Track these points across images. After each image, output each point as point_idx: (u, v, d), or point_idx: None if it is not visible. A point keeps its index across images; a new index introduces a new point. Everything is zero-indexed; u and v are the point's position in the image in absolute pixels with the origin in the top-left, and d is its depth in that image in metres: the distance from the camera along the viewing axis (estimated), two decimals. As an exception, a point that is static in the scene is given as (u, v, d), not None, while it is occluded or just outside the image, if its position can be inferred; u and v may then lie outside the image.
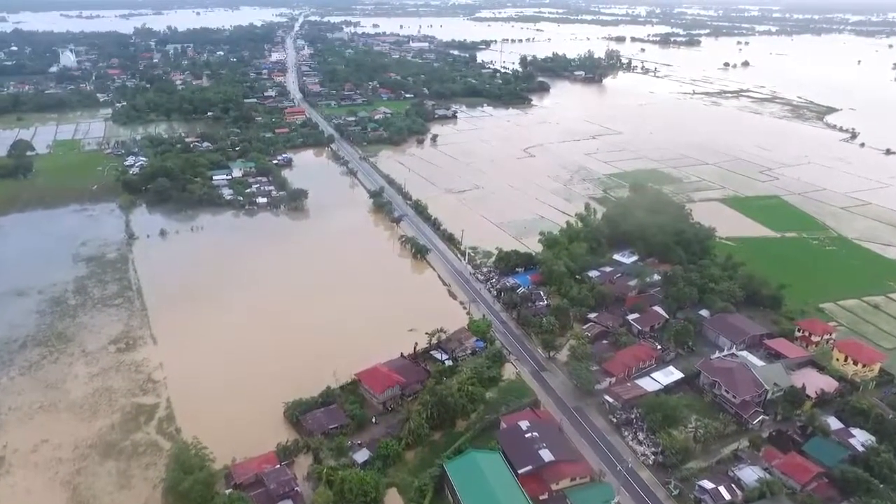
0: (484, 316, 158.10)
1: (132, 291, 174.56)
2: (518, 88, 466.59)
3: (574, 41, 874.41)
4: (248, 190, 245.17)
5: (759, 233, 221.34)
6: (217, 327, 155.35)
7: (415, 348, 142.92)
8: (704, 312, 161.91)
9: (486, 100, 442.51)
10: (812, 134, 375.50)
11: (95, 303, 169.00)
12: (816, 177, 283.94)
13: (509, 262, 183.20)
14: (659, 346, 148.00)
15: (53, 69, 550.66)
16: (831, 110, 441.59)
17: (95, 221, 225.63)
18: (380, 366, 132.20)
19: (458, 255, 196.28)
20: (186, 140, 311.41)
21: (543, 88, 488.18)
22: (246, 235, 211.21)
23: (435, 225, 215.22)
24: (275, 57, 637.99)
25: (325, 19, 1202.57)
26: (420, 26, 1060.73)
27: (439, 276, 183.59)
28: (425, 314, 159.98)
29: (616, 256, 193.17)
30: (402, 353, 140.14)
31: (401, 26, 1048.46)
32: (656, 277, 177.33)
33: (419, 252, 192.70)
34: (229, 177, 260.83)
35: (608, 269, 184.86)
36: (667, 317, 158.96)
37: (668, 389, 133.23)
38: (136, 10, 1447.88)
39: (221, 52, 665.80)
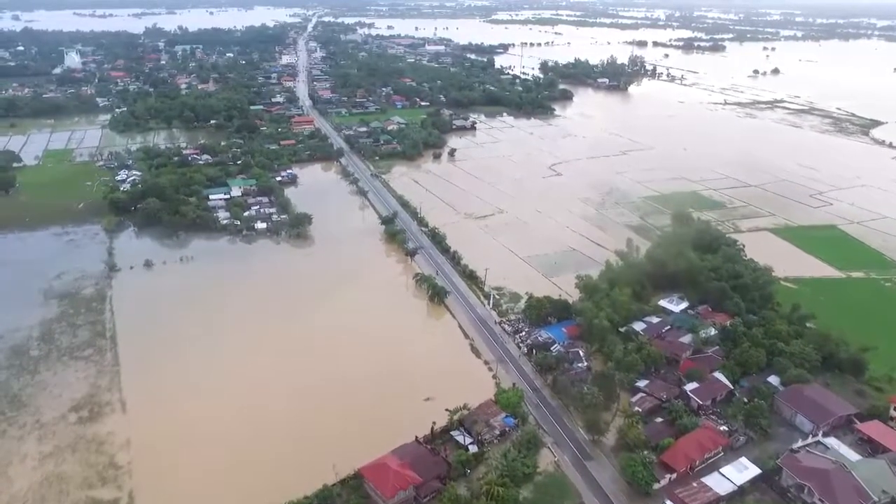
0: (515, 385, 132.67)
1: (105, 340, 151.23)
2: (540, 97, 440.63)
3: (594, 45, 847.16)
4: (247, 213, 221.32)
5: (821, 272, 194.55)
6: (198, 391, 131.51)
7: (432, 429, 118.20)
8: (773, 379, 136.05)
9: (505, 108, 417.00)
10: (859, 150, 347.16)
11: (62, 354, 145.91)
12: (874, 202, 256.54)
13: (541, 311, 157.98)
14: (726, 428, 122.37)
15: (57, 71, 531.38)
16: (876, 123, 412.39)
17: (76, 248, 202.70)
18: (389, 457, 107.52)
19: (482, 298, 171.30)
20: (185, 152, 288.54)
21: (566, 97, 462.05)
22: (241, 268, 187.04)
23: (454, 259, 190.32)
24: (285, 60, 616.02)
25: (339, 20, 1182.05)
26: (436, 28, 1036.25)
27: (460, 326, 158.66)
28: (444, 377, 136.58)
29: (663, 303, 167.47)
30: (416, 437, 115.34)
31: (416, 28, 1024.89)
32: (712, 332, 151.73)
33: (437, 295, 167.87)
34: (227, 196, 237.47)
35: (655, 319, 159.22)
36: (730, 386, 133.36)
37: (742, 489, 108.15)
38: (150, 8, 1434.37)
39: (231, 54, 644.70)
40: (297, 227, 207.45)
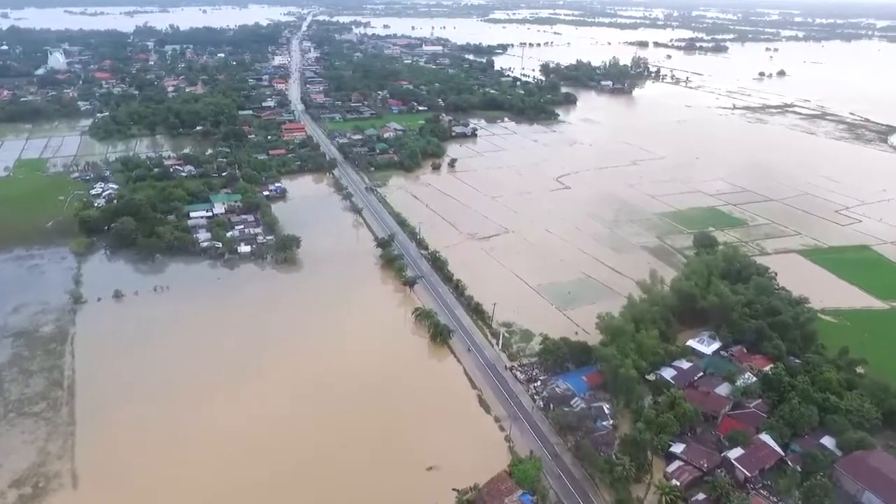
0: (532, 453, 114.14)
1: (62, 391, 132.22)
2: (542, 101, 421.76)
3: (595, 46, 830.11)
4: (230, 233, 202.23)
5: (861, 302, 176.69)
6: (165, 459, 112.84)
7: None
8: (828, 441, 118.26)
9: (507, 113, 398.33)
10: (880, 159, 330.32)
11: (9, 409, 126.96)
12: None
13: (558, 356, 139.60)
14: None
15: (40, 71, 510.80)
16: (893, 129, 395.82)
17: (39, 274, 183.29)
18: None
19: (489, 337, 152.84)
20: (166, 163, 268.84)
21: (570, 101, 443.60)
22: (220, 301, 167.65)
23: (458, 289, 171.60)
24: (278, 60, 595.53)
25: (335, 19, 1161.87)
26: (433, 27, 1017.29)
27: (466, 373, 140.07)
28: (450, 438, 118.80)
29: (692, 343, 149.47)
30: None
31: (413, 27, 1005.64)
32: (752, 379, 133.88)
33: (439, 334, 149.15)
34: (210, 213, 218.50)
35: (685, 363, 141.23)
36: (781, 453, 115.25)
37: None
38: (143, 6, 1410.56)
39: (222, 54, 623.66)
40: (284, 250, 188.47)
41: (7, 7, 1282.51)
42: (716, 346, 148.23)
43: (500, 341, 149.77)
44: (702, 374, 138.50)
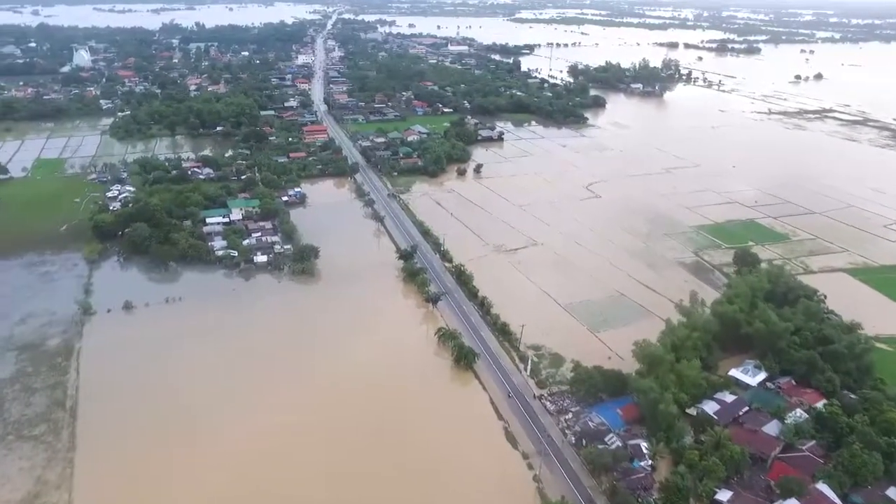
0: (563, 498, 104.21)
1: (64, 411, 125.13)
2: (570, 104, 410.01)
3: (623, 47, 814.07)
4: (247, 241, 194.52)
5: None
6: (165, 494, 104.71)
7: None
8: (894, 493, 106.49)
9: (534, 116, 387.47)
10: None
11: (8, 430, 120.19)
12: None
13: (591, 386, 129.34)
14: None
15: (65, 69, 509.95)
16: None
17: (50, 282, 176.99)
18: None
19: (517, 361, 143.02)
20: (184, 165, 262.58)
21: (599, 104, 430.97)
22: (233, 315, 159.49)
23: (483, 307, 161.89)
24: (302, 59, 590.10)
25: (360, 17, 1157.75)
26: (458, 27, 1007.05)
27: (492, 401, 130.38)
28: (474, 477, 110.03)
29: (735, 372, 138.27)
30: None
31: (438, 26, 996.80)
32: (802, 416, 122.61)
33: (464, 357, 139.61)
34: (226, 219, 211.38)
35: (728, 396, 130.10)
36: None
37: None
38: (170, 4, 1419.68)
39: (246, 53, 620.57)
40: (301, 261, 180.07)
41: (38, 4, 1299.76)
42: (761, 376, 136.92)
43: (529, 366, 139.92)
44: (747, 408, 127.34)
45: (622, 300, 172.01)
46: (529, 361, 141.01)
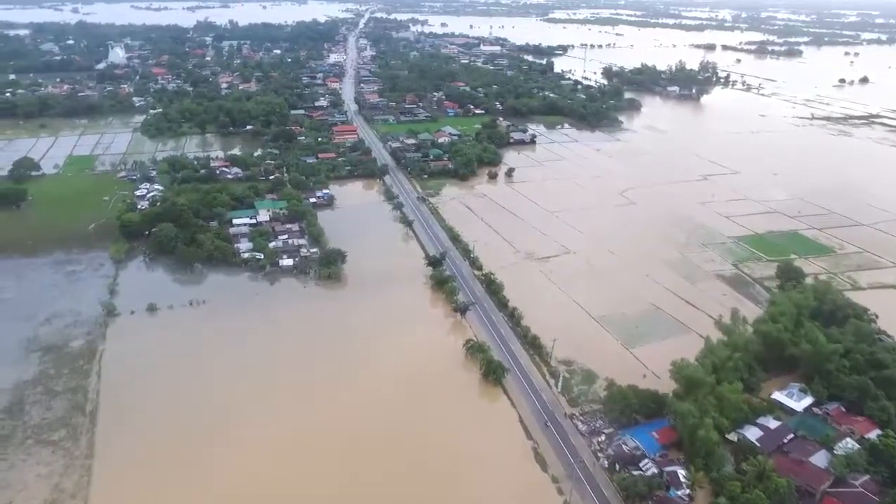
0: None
1: (84, 417, 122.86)
2: (605, 106, 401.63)
3: (659, 48, 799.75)
4: (273, 244, 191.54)
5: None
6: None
7: None
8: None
9: (567, 119, 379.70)
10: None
11: (27, 435, 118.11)
12: None
13: (625, 406, 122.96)
14: None
15: (101, 66, 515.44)
16: None
17: (75, 282, 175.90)
18: None
19: (547, 377, 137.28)
20: (213, 164, 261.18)
21: (634, 107, 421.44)
22: (257, 320, 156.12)
23: (514, 318, 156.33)
24: (333, 58, 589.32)
25: (392, 16, 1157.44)
26: (491, 27, 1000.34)
27: (520, 419, 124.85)
28: (501, 501, 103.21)
29: (779, 396, 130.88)
30: None
31: (470, 26, 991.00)
32: (852, 446, 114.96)
33: (492, 372, 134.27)
34: (253, 221, 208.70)
35: (772, 422, 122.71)
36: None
37: None
38: (205, 2, 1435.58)
39: (278, 51, 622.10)
40: (328, 266, 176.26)
41: (78, 2, 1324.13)
42: (807, 401, 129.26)
43: (560, 383, 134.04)
44: (792, 436, 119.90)
45: (658, 314, 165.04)
46: (561, 378, 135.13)
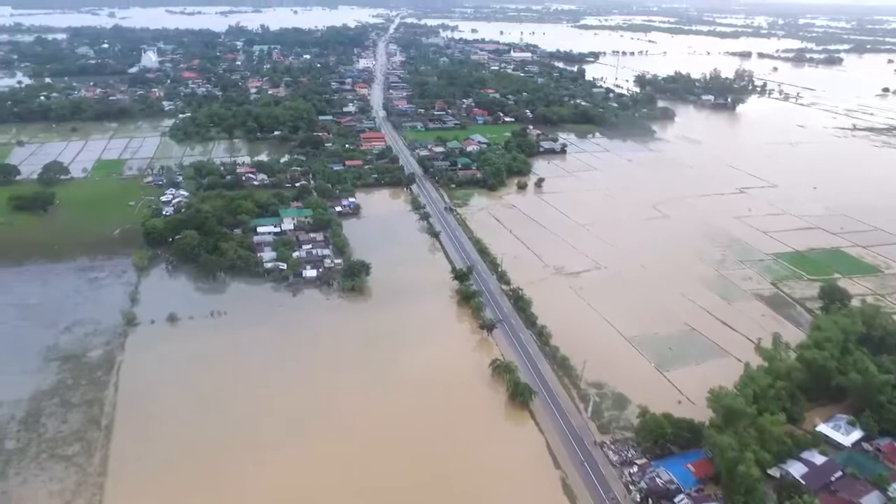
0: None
1: (99, 431, 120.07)
2: (637, 115, 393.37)
3: (693, 56, 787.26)
4: (297, 253, 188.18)
5: None
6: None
7: None
8: None
9: (598, 128, 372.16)
10: None
11: (41, 449, 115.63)
12: None
13: (659, 436, 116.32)
14: None
15: (134, 70, 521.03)
16: None
17: (98, 288, 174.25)
18: None
19: (577, 400, 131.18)
20: (239, 171, 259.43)
21: (667, 116, 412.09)
22: (278, 333, 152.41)
23: (542, 337, 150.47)
24: (362, 63, 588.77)
25: (422, 22, 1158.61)
26: (521, 32, 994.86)
27: (548, 445, 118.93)
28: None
29: (825, 428, 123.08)
30: None
31: (501, 32, 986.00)
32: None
33: (520, 394, 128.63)
34: (277, 229, 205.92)
35: (817, 456, 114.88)
36: None
37: None
38: (238, 6, 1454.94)
39: (308, 56, 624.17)
40: (352, 278, 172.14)
41: (115, 7, 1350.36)
42: (856, 434, 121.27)
43: (591, 408, 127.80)
44: (840, 473, 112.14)
45: (693, 335, 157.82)
46: (591, 402, 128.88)
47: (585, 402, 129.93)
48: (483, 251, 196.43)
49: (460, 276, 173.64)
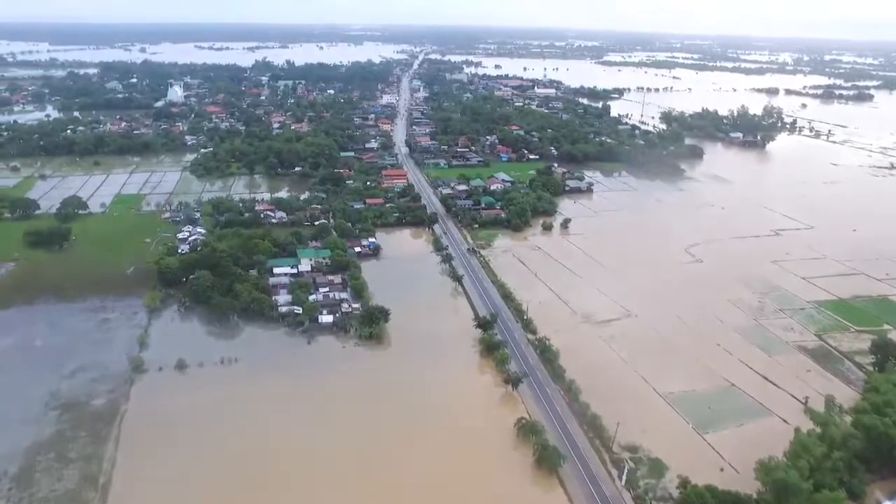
0: None
1: (95, 492, 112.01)
2: (664, 153, 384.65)
3: (718, 92, 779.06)
4: (313, 297, 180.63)
5: None
6: None
7: None
8: None
9: (625, 166, 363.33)
10: None
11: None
12: None
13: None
14: None
15: (160, 104, 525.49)
16: None
17: (107, 331, 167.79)
18: None
19: (609, 466, 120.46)
20: (257, 208, 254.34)
21: (695, 154, 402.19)
22: (290, 384, 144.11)
23: (571, 392, 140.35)
24: (386, 99, 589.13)
25: (446, 57, 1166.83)
26: (545, 69, 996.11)
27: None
28: None
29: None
30: None
31: (524, 68, 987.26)
32: None
33: (548, 460, 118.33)
34: (294, 270, 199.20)
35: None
36: None
37: None
38: (265, 42, 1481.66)
39: (332, 91, 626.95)
40: (370, 324, 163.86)
41: (147, 42, 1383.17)
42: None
43: (625, 476, 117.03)
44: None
45: (733, 392, 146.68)
46: (625, 470, 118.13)
47: (619, 468, 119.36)
48: (507, 296, 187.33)
49: (484, 324, 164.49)
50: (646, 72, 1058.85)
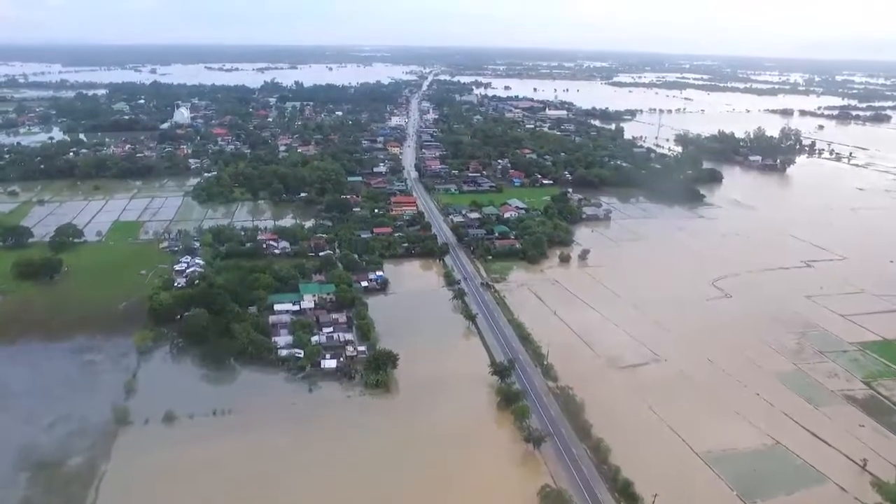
0: None
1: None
2: (682, 177, 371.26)
3: (732, 113, 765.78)
4: (316, 338, 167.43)
5: None
6: None
7: None
8: None
9: (641, 191, 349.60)
10: None
11: None
12: None
13: None
14: None
15: (165, 126, 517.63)
16: None
17: (91, 375, 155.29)
18: None
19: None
20: (259, 238, 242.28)
21: (714, 178, 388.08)
22: (288, 441, 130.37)
23: (599, 454, 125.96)
24: (395, 121, 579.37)
25: (456, 78, 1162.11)
26: (555, 90, 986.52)
27: None
28: None
29: None
30: None
31: (534, 89, 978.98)
32: None
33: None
34: (296, 307, 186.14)
35: None
36: None
37: None
38: (274, 63, 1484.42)
39: (340, 112, 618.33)
40: (376, 371, 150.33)
41: (157, 63, 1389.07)
42: None
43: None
44: None
45: (779, 451, 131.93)
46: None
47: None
48: (525, 337, 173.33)
49: (500, 371, 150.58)
50: (657, 93, 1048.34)
